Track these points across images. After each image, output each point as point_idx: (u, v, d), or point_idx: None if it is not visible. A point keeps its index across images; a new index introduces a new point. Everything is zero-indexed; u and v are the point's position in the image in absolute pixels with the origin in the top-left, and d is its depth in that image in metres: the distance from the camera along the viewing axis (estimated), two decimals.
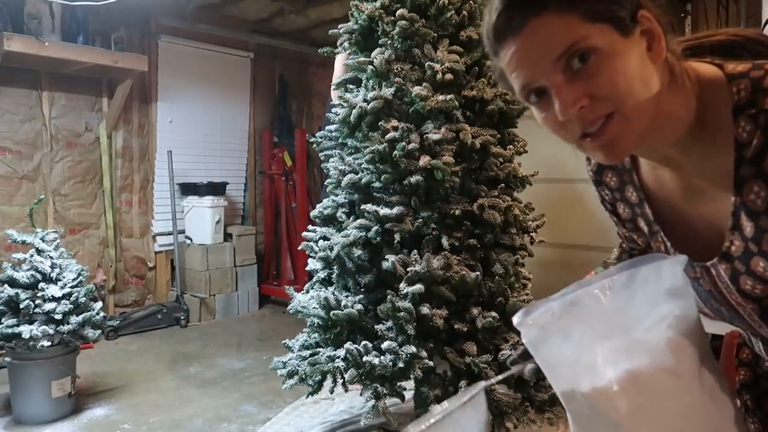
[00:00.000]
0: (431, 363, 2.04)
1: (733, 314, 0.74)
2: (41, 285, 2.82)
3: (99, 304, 3.07)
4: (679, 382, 0.60)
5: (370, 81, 2.25)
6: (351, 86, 2.37)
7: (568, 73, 0.62)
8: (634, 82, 0.62)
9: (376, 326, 2.10)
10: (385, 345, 2.01)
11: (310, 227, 2.45)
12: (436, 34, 2.21)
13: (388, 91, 2.16)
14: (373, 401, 2.03)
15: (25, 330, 2.72)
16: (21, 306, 2.77)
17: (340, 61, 2.73)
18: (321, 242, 2.31)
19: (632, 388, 0.59)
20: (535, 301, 0.65)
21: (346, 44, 2.36)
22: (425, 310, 2.00)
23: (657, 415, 0.60)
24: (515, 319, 0.65)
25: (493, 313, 2.07)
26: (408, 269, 2.05)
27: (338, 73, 2.78)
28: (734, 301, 0.71)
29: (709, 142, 0.67)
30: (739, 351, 0.90)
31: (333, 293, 2.22)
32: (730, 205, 0.65)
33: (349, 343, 2.08)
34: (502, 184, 2.29)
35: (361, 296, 2.18)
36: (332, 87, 2.83)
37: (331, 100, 2.85)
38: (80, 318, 2.87)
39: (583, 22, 0.60)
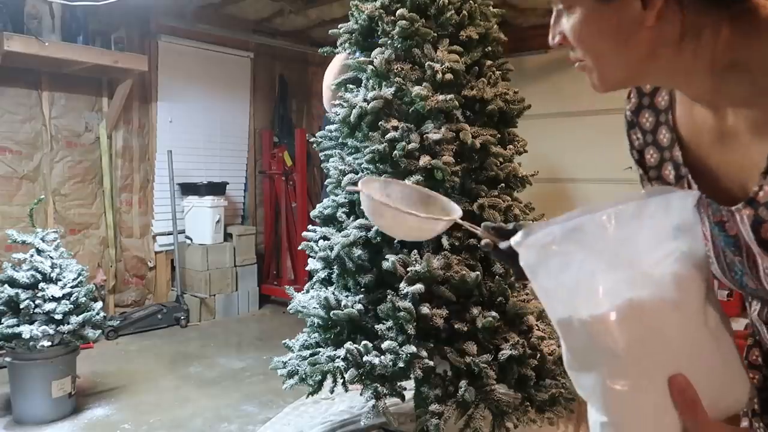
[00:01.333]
0: (431, 363, 2.04)
1: (747, 268, 0.70)
2: (41, 285, 2.82)
3: (99, 304, 3.07)
4: (682, 317, 0.57)
5: (370, 81, 2.25)
6: (351, 86, 2.37)
7: (558, 10, 0.69)
8: (598, 43, 0.66)
9: (376, 326, 2.10)
10: (385, 345, 2.01)
11: (310, 227, 2.45)
12: (436, 34, 2.21)
13: (388, 91, 2.16)
14: (373, 401, 2.03)
15: (25, 330, 2.72)
16: (21, 306, 2.77)
17: (335, 64, 2.72)
18: (321, 242, 2.31)
19: (633, 319, 0.56)
20: (531, 297, 0.63)
21: (346, 45, 2.36)
22: (425, 309, 2.00)
23: (658, 348, 0.57)
24: (513, 240, 0.61)
25: (493, 313, 2.07)
26: (408, 269, 2.05)
27: (330, 78, 2.77)
28: (755, 251, 0.68)
29: (747, 84, 0.65)
30: (748, 353, 0.88)
31: (333, 293, 2.22)
32: (765, 148, 0.63)
33: (349, 342, 2.08)
34: (502, 184, 2.29)
35: (361, 296, 2.18)
36: (327, 92, 2.82)
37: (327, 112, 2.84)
38: (80, 318, 2.87)
39: None
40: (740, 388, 0.62)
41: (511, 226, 0.90)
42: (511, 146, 2.36)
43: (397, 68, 2.18)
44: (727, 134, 0.70)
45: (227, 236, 5.10)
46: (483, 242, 0.90)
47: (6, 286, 2.81)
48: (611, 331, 0.57)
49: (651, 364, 0.58)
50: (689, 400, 0.56)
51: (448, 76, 2.13)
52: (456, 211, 0.97)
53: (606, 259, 0.58)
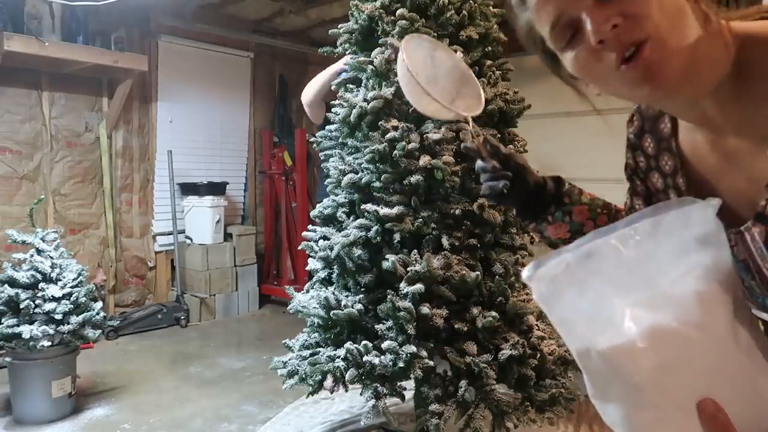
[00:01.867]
0: (431, 363, 2.04)
1: (764, 290, 0.69)
2: (41, 285, 2.82)
3: (99, 304, 3.07)
4: (708, 337, 0.54)
5: (370, 81, 2.25)
6: (351, 86, 2.38)
7: None
8: (670, 10, 0.60)
9: (376, 326, 2.10)
10: (385, 345, 2.01)
11: (310, 227, 2.45)
12: (436, 34, 2.21)
13: (388, 91, 2.16)
14: (373, 401, 2.03)
15: (26, 330, 2.72)
16: (21, 306, 2.77)
17: (317, 81, 2.76)
18: (321, 242, 2.31)
19: (654, 347, 0.53)
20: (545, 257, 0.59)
21: (346, 45, 2.36)
22: (425, 309, 2.00)
23: (683, 374, 0.54)
24: (524, 273, 0.59)
25: (494, 313, 2.07)
26: (408, 269, 2.05)
27: (308, 95, 2.81)
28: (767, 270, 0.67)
29: (749, 96, 0.64)
30: None
31: (333, 293, 2.21)
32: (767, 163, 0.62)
33: (349, 342, 2.08)
34: None
35: (362, 296, 2.18)
36: (308, 109, 2.86)
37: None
38: (80, 318, 2.87)
39: None
40: None
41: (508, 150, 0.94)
42: (511, 146, 2.36)
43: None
44: (731, 154, 0.69)
45: (227, 236, 5.10)
46: (467, 144, 0.95)
47: (6, 286, 2.81)
48: (631, 362, 0.54)
49: (677, 391, 0.55)
50: (720, 426, 0.53)
51: None
52: (474, 109, 0.98)
53: (623, 283, 0.56)
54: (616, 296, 0.55)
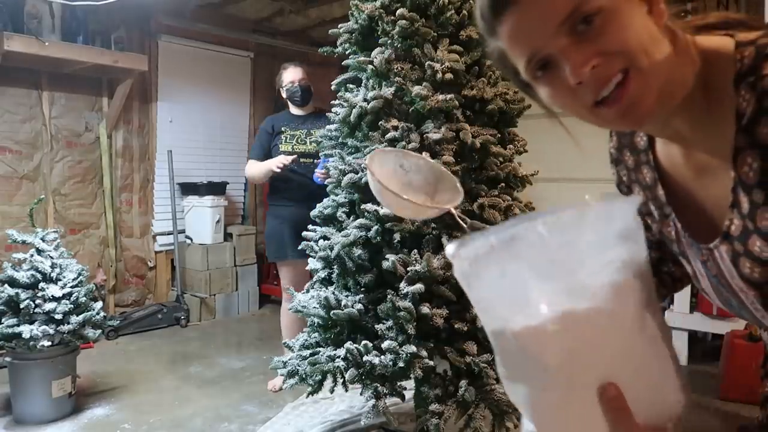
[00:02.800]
0: (431, 362, 2.04)
1: (739, 303, 0.71)
2: (41, 285, 2.82)
3: (99, 304, 3.07)
4: (617, 326, 0.56)
5: (370, 80, 2.25)
6: (351, 86, 2.38)
7: (573, 36, 0.60)
8: (644, 38, 0.60)
9: (376, 326, 2.10)
10: (385, 344, 2.01)
11: (310, 227, 2.45)
12: (436, 34, 2.21)
13: (388, 91, 2.16)
14: (373, 401, 2.03)
15: (26, 330, 2.72)
16: (21, 306, 2.77)
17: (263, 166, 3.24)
18: (321, 242, 2.31)
19: (565, 331, 0.55)
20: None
21: (345, 45, 2.36)
22: (425, 309, 2.00)
23: (590, 359, 0.57)
24: (448, 251, 0.59)
25: None
26: (408, 269, 2.05)
27: (256, 177, 3.36)
28: (737, 287, 0.68)
29: (713, 114, 0.64)
30: (765, 362, 0.87)
31: (333, 293, 2.22)
32: (730, 181, 0.63)
33: (349, 342, 2.08)
34: (503, 184, 2.29)
35: (362, 296, 2.18)
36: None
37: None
38: (80, 318, 2.87)
39: None
40: (675, 397, 0.61)
41: None
42: (511, 146, 2.36)
43: (397, 68, 2.18)
44: (703, 168, 0.69)
45: (227, 236, 5.10)
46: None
47: (6, 285, 2.81)
48: (542, 344, 0.56)
49: (582, 375, 0.57)
50: (619, 409, 0.56)
51: (448, 75, 2.13)
52: (453, 201, 0.99)
53: (543, 269, 0.57)
54: (535, 281, 0.57)
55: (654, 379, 0.60)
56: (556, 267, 0.57)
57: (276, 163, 3.14)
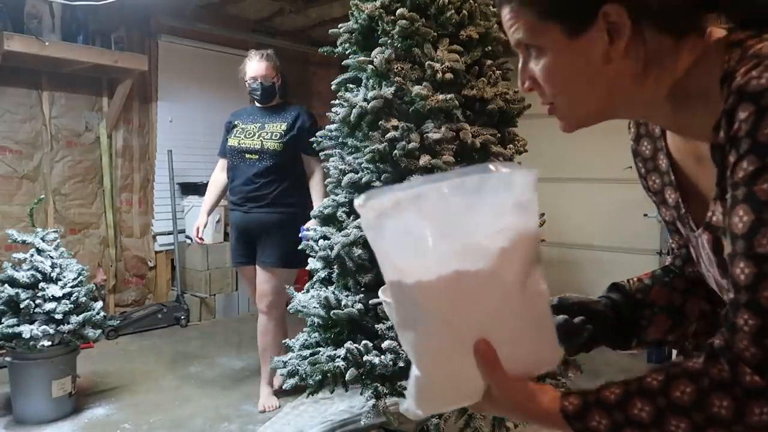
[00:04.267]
0: None
1: (725, 290, 0.72)
2: (41, 285, 2.83)
3: (99, 304, 3.08)
4: (498, 284, 0.62)
5: (370, 80, 2.25)
6: (351, 85, 2.37)
7: (525, 55, 0.71)
8: (570, 81, 0.69)
9: (376, 326, 2.10)
10: (385, 344, 2.01)
11: (310, 226, 2.45)
12: (436, 34, 2.21)
13: (388, 91, 2.16)
14: (373, 401, 2.03)
15: (26, 330, 2.72)
16: (21, 306, 2.77)
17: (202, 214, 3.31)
18: (321, 241, 2.31)
19: (453, 286, 0.60)
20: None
21: (345, 45, 2.36)
22: None
23: (473, 313, 0.63)
24: (356, 202, 0.63)
25: None
26: None
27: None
28: (713, 277, 0.72)
29: (705, 110, 0.66)
30: (703, 333, 0.90)
31: (333, 292, 2.22)
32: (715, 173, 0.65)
33: (349, 342, 2.08)
34: None
35: (362, 295, 2.18)
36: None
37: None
38: (80, 318, 2.87)
39: (537, 19, 0.67)
40: (549, 352, 0.69)
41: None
42: (511, 146, 2.36)
43: (397, 68, 2.18)
44: (701, 158, 0.71)
45: (227, 236, 5.09)
46: None
47: (6, 285, 2.81)
48: (432, 298, 0.61)
49: (463, 328, 0.64)
50: (488, 361, 0.63)
51: (449, 75, 2.13)
52: None
53: (442, 228, 0.61)
54: (434, 239, 0.61)
55: (530, 336, 0.66)
56: (455, 227, 0.61)
57: (193, 229, 3.22)
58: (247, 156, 3.03)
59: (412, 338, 0.66)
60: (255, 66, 3.10)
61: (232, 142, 3.08)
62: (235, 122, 3.15)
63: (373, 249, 0.64)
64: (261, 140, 3.02)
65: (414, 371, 0.68)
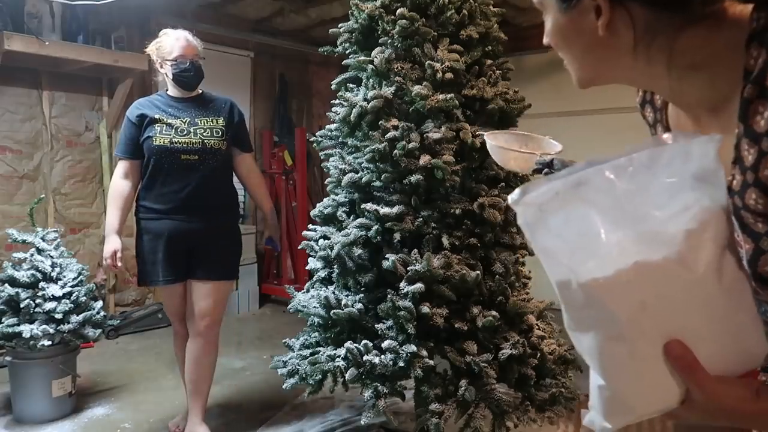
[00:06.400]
0: (431, 362, 2.04)
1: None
2: (41, 284, 2.83)
3: (99, 304, 3.08)
4: (692, 277, 0.53)
5: (371, 80, 2.25)
6: (351, 85, 2.38)
7: (543, 15, 0.76)
8: (566, 47, 0.74)
9: (376, 325, 2.10)
10: (385, 344, 2.01)
11: (310, 226, 2.45)
12: (436, 33, 2.21)
13: (388, 90, 2.16)
14: (373, 400, 2.03)
15: (26, 329, 2.72)
16: (21, 305, 2.77)
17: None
18: (321, 241, 2.31)
19: (636, 284, 0.53)
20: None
21: (346, 45, 2.36)
22: (425, 309, 2.00)
23: (661, 311, 0.54)
24: (511, 198, 0.57)
25: (494, 312, 2.07)
26: (408, 268, 2.05)
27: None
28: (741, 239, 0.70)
29: (712, 85, 0.66)
30: None
31: (333, 292, 2.22)
32: (733, 138, 0.63)
33: (349, 342, 2.08)
34: (503, 183, 2.29)
35: (362, 295, 2.18)
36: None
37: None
38: (81, 317, 2.87)
39: None
40: (757, 344, 0.58)
41: None
42: None
43: (397, 67, 2.18)
44: (705, 129, 0.71)
45: None
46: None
47: (6, 285, 2.81)
48: (611, 297, 0.54)
49: (652, 327, 0.55)
50: (687, 364, 0.56)
51: (449, 75, 2.13)
52: (549, 148, 1.26)
53: (612, 216, 0.54)
54: (604, 228, 0.54)
55: (732, 330, 0.57)
56: (626, 213, 0.54)
57: (108, 257, 2.63)
58: (183, 157, 2.53)
59: (591, 343, 0.58)
60: (183, 42, 2.61)
61: (160, 141, 2.52)
62: (155, 116, 2.56)
63: (532, 248, 0.58)
64: (201, 138, 2.56)
65: (596, 380, 0.60)
